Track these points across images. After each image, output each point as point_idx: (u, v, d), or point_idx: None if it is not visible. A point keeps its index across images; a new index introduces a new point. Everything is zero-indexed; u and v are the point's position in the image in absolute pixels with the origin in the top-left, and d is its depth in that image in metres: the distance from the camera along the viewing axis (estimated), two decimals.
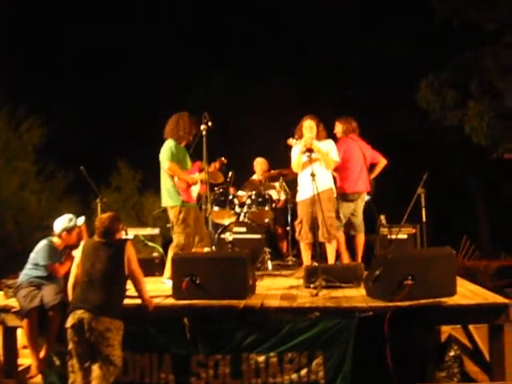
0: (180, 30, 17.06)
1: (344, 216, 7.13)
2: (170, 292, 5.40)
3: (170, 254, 6.20)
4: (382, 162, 7.47)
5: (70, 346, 4.58)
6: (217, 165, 6.81)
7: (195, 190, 6.38)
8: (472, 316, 4.95)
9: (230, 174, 7.69)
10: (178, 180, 6.22)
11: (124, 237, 5.38)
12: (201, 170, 6.53)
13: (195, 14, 17.11)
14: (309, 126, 6.64)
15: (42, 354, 5.19)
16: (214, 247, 7.09)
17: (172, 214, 6.30)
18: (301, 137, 6.66)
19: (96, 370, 4.50)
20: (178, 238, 6.22)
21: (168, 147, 6.26)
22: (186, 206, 6.23)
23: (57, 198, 14.52)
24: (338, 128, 7.41)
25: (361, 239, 7.29)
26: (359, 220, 7.28)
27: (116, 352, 4.55)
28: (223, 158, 6.86)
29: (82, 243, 5.02)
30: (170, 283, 5.78)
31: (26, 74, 14.01)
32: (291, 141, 6.77)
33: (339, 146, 6.99)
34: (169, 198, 6.28)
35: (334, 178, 7.02)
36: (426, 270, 5.01)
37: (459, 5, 13.27)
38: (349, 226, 7.24)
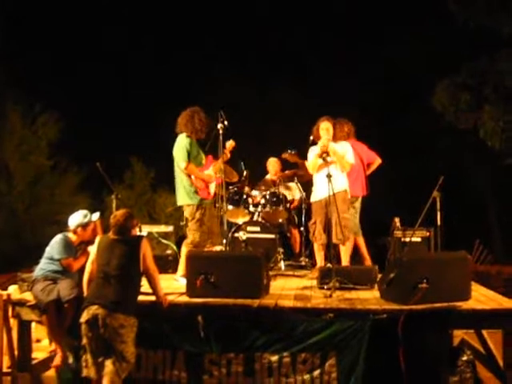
0: (193, 29, 17.10)
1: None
2: (184, 289, 5.42)
3: (184, 250, 6.22)
4: (377, 162, 7.56)
5: (84, 340, 4.61)
6: (228, 153, 6.74)
7: (213, 186, 6.39)
8: (486, 321, 4.92)
9: (245, 173, 7.70)
10: (195, 179, 6.23)
11: (138, 233, 5.40)
12: (209, 165, 6.55)
13: (208, 13, 17.13)
14: (325, 127, 6.63)
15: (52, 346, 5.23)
16: (227, 246, 7.11)
17: (188, 212, 6.31)
18: (317, 138, 6.67)
19: (109, 365, 4.52)
20: (193, 235, 6.24)
21: (183, 146, 6.21)
22: (202, 205, 6.25)
23: (70, 192, 14.64)
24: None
25: (361, 241, 7.33)
26: (357, 224, 7.30)
27: (129, 348, 4.58)
28: (231, 141, 6.75)
29: (97, 239, 5.05)
30: (183, 281, 5.80)
31: (42, 71, 14.09)
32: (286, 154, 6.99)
33: None
34: (186, 196, 6.27)
35: None
36: (441, 273, 4.99)
37: (475, 8, 13.20)
38: None
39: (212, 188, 6.41)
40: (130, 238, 4.86)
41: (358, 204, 7.30)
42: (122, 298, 4.61)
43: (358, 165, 7.29)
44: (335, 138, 6.70)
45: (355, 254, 7.30)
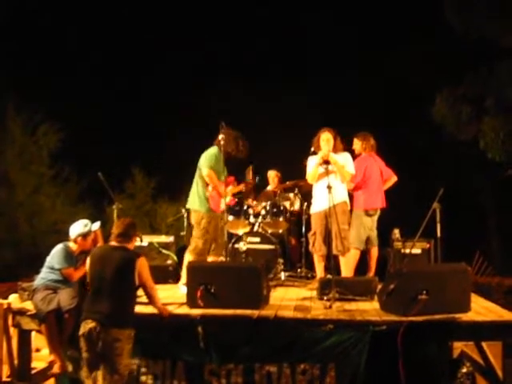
0: (193, 36, 17.15)
1: (365, 231, 7.18)
2: (184, 300, 5.42)
3: (187, 257, 6.28)
4: (393, 179, 7.65)
5: (82, 353, 4.61)
6: (249, 185, 7.03)
7: (224, 202, 6.47)
8: (486, 333, 4.92)
9: (246, 183, 7.72)
10: (212, 188, 6.36)
11: (138, 244, 5.40)
12: (232, 184, 6.69)
13: (207, 21, 17.19)
14: (326, 138, 6.67)
15: (52, 356, 5.23)
16: (228, 256, 7.13)
17: (194, 218, 6.46)
18: (318, 148, 6.71)
19: (100, 379, 4.49)
20: (196, 242, 6.34)
21: (212, 154, 6.44)
22: (209, 214, 6.34)
23: (71, 202, 14.63)
24: (357, 145, 7.52)
25: (375, 252, 7.38)
26: (375, 234, 7.39)
27: (123, 361, 4.52)
28: (257, 178, 7.23)
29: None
30: (184, 289, 5.84)
31: (43, 79, 14.13)
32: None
33: (360, 163, 7.13)
34: (198, 201, 6.43)
35: (351, 193, 7.09)
36: (441, 285, 5.00)
37: (475, 19, 13.23)
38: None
39: (223, 203, 6.50)
40: (129, 249, 4.83)
41: (376, 217, 7.39)
42: (116, 311, 4.56)
43: (379, 178, 7.43)
44: (335, 150, 6.72)
45: (364, 263, 7.35)
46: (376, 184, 7.35)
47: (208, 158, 6.42)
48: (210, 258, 6.47)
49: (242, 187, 7.13)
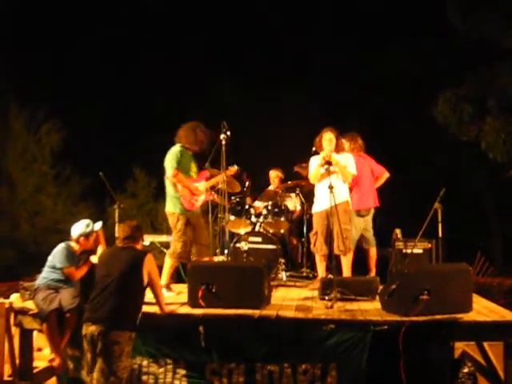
0: (196, 40, 17.17)
1: (357, 231, 7.17)
2: (185, 300, 5.42)
3: (167, 261, 6.25)
4: (385, 175, 7.64)
5: (85, 353, 4.61)
6: (226, 177, 6.80)
7: (200, 199, 6.39)
8: (488, 333, 4.92)
9: (247, 183, 7.72)
10: (181, 188, 6.23)
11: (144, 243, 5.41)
12: (208, 179, 6.56)
13: (207, 24, 17.21)
14: (328, 138, 6.64)
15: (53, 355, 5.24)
16: (229, 256, 7.13)
17: (170, 221, 6.33)
18: (320, 148, 6.70)
19: (93, 381, 4.49)
20: (174, 245, 6.26)
21: (174, 153, 6.25)
22: (185, 214, 6.24)
23: (73, 202, 14.67)
24: (345, 146, 7.45)
25: (373, 253, 7.37)
26: (371, 234, 7.39)
27: (121, 363, 4.49)
28: (235, 166, 6.90)
29: (99, 251, 5.04)
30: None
31: (46, 78, 14.14)
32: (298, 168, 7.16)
33: None
34: (171, 203, 6.30)
35: None
36: (443, 285, 5.00)
37: (477, 20, 13.22)
38: (361, 241, 7.32)
39: (200, 200, 6.41)
40: (136, 248, 4.85)
41: (369, 217, 7.39)
42: (119, 312, 4.53)
43: (370, 177, 7.42)
44: (337, 150, 6.72)
45: (364, 264, 7.35)
46: (367, 183, 7.32)
47: (170, 158, 6.23)
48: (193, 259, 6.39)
49: (218, 179, 6.73)
